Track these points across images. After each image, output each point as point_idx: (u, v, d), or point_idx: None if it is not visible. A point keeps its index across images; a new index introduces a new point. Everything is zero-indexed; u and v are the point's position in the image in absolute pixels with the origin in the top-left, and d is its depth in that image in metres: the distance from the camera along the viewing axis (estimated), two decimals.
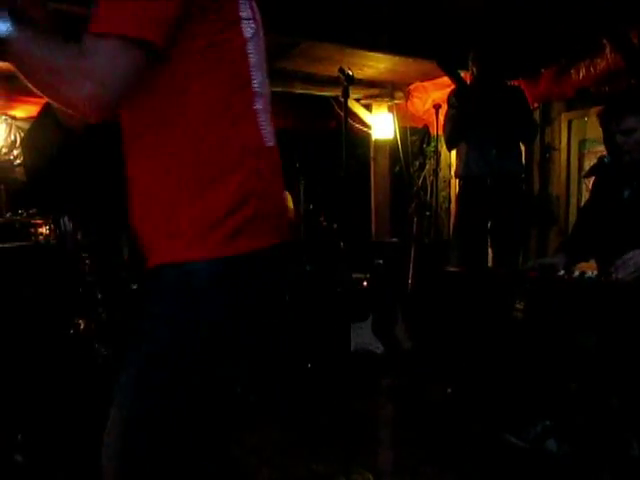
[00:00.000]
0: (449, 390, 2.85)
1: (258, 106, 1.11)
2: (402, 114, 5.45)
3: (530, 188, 4.58)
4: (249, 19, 1.10)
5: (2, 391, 2.59)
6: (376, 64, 4.38)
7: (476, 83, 3.57)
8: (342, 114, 2.44)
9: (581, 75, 3.85)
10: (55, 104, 1.03)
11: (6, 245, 3.18)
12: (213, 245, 1.03)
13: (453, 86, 3.63)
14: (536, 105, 4.37)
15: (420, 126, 5.53)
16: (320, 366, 3.44)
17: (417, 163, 5.74)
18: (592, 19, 3.50)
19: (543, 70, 4.16)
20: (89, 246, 3.35)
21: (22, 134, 4.47)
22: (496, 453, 2.36)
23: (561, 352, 2.20)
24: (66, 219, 3.23)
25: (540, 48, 3.95)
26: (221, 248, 1.04)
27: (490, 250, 3.81)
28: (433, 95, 4.84)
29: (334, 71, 2.55)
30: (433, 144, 5.14)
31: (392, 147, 5.65)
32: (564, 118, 4.38)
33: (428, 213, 5.19)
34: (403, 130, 5.64)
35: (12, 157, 4.51)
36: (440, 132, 4.03)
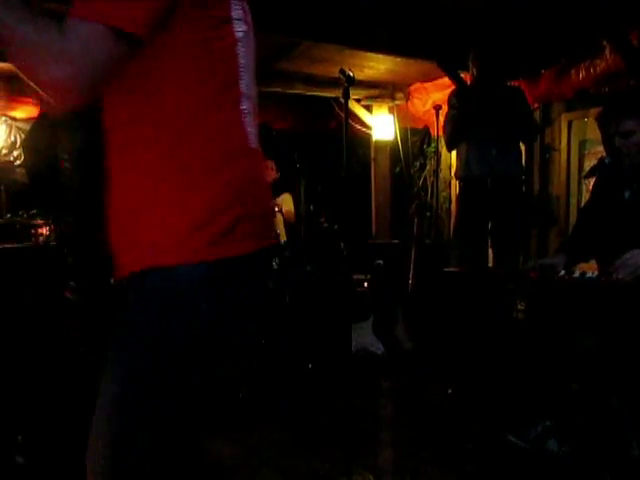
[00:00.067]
0: (450, 390, 2.85)
1: (244, 107, 1.08)
2: (402, 115, 5.46)
3: (530, 189, 4.57)
4: (240, 20, 1.08)
5: (2, 392, 2.59)
6: (376, 65, 4.39)
7: (476, 84, 3.57)
8: (342, 115, 2.44)
9: (581, 76, 3.85)
10: (31, 83, 0.98)
11: (6, 246, 3.18)
12: (198, 248, 1.01)
13: (453, 87, 3.63)
14: (536, 106, 4.36)
15: (420, 127, 5.52)
16: (321, 366, 3.44)
17: (417, 164, 5.73)
18: (592, 20, 3.50)
19: (543, 71, 4.16)
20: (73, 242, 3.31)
21: (22, 135, 4.47)
22: (497, 453, 2.36)
23: (562, 352, 2.20)
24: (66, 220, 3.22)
25: (540, 49, 3.95)
26: (206, 251, 1.01)
27: (490, 251, 3.81)
28: (433, 96, 4.84)
29: (334, 72, 2.55)
30: (433, 145, 5.13)
31: (392, 148, 5.65)
32: (564, 119, 4.37)
33: (428, 214, 5.19)
34: (403, 131, 5.64)
35: (12, 158, 4.51)
36: (440, 133, 4.03)
